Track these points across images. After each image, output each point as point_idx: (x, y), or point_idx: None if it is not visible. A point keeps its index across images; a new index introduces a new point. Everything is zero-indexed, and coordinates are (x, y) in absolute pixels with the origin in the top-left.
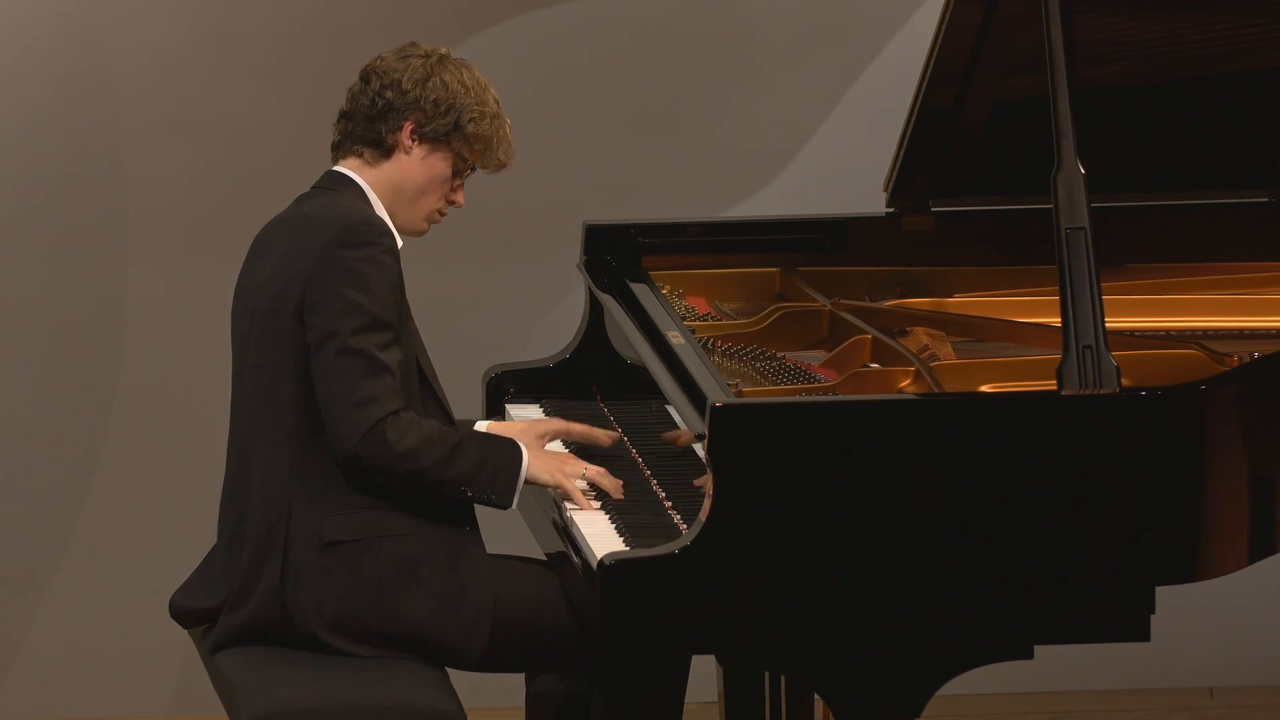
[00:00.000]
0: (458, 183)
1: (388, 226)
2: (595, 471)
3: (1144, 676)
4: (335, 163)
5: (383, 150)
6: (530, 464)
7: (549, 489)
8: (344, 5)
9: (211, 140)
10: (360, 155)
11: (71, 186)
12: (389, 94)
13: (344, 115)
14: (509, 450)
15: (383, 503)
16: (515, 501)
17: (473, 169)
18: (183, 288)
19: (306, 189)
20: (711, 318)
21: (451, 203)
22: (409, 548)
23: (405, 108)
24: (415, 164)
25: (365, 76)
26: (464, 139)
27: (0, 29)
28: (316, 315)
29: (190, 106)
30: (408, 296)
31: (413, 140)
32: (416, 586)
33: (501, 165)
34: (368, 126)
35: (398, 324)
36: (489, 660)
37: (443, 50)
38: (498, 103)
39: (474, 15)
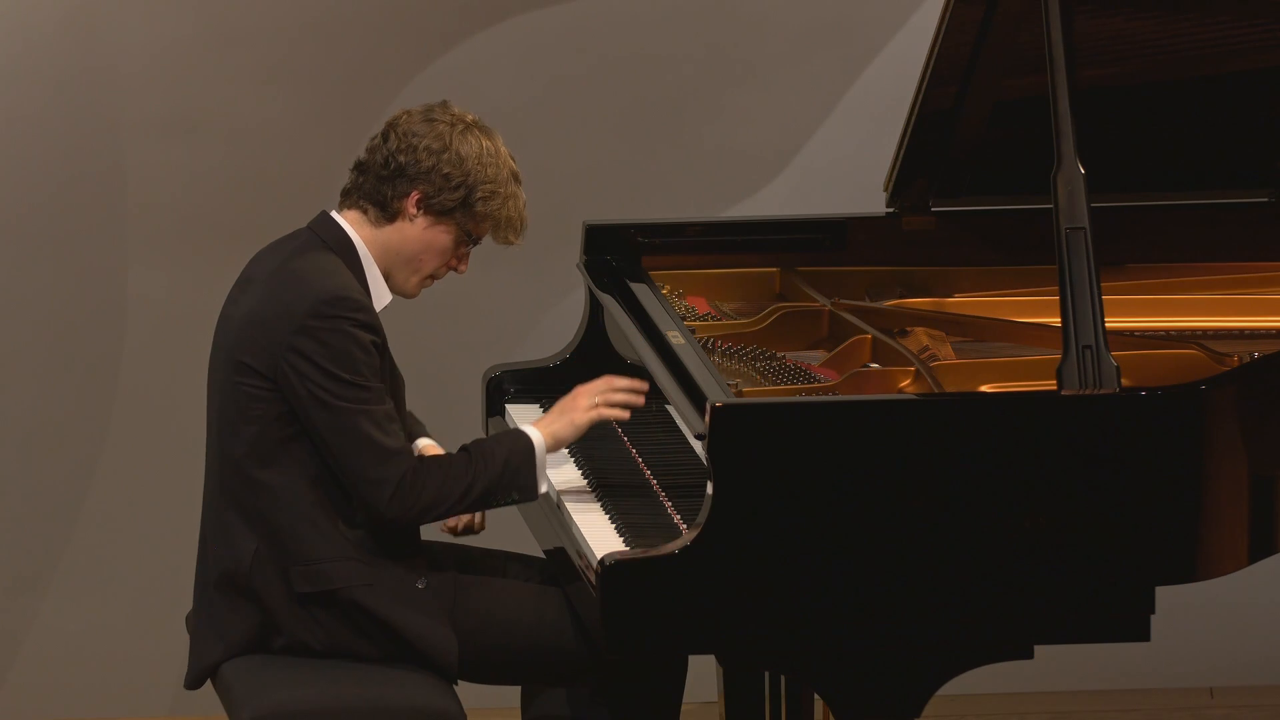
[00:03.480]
0: (462, 251)
1: (362, 301)
2: (602, 387)
3: (1144, 676)
4: (340, 209)
5: (387, 214)
6: (546, 439)
7: (582, 432)
8: (344, 5)
9: (212, 140)
10: (364, 211)
11: (71, 186)
12: (402, 157)
13: (358, 166)
14: (521, 443)
15: (336, 551)
16: (543, 487)
17: (478, 240)
18: (183, 288)
19: (305, 189)
20: (711, 318)
21: (452, 269)
22: (367, 597)
23: (416, 176)
24: (416, 232)
25: (386, 132)
26: (471, 216)
27: (1, 28)
28: (301, 386)
29: (191, 106)
30: (408, 301)
31: (417, 209)
32: (377, 634)
33: (510, 242)
34: (376, 186)
35: (379, 382)
36: (486, 676)
37: (469, 118)
38: (515, 176)
39: (474, 15)
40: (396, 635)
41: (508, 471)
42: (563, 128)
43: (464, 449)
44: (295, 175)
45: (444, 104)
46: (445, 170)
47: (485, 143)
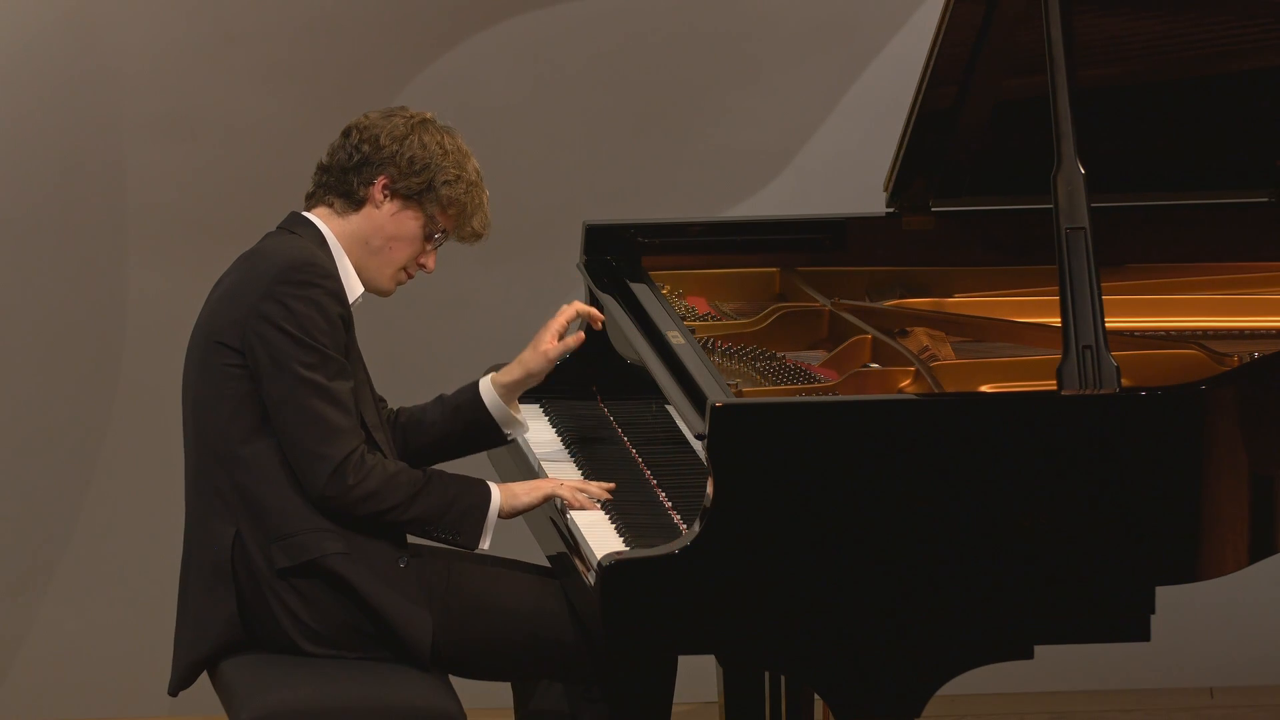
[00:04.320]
0: (429, 247)
1: (330, 270)
2: (572, 485)
3: (1144, 676)
4: (306, 210)
5: (353, 202)
6: (504, 501)
7: (550, 500)
8: (344, 5)
9: (211, 140)
10: (331, 205)
11: (71, 186)
12: (365, 147)
13: (321, 168)
14: (477, 492)
15: (315, 524)
16: (486, 542)
17: (444, 234)
18: (183, 288)
19: (305, 189)
20: (711, 318)
21: (421, 266)
22: (344, 566)
23: (381, 162)
24: (384, 219)
25: (346, 132)
26: (437, 201)
27: (1, 28)
28: (264, 351)
29: (190, 106)
30: (408, 301)
31: (384, 195)
32: (353, 608)
33: (476, 236)
34: (341, 178)
35: (344, 358)
36: (481, 670)
37: (428, 114)
38: (478, 173)
39: (473, 15)
40: (370, 610)
41: (454, 509)
42: (563, 127)
43: (422, 469)
44: (295, 175)
45: (401, 106)
46: (409, 154)
47: (446, 136)
